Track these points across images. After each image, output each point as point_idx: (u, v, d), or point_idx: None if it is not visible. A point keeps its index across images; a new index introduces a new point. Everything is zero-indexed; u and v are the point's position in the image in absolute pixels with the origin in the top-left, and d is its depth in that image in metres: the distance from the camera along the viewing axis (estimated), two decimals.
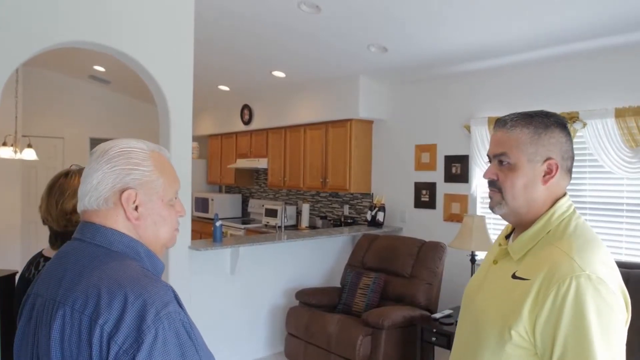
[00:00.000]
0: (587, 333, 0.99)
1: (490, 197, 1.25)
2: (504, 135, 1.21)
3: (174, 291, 0.95)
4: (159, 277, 0.98)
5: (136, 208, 1.01)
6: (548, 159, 1.17)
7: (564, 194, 1.21)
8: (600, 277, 1.03)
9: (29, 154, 5.51)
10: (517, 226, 1.25)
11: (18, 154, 5.49)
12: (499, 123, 1.24)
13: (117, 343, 0.85)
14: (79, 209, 1.04)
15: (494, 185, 1.23)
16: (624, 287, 1.07)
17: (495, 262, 1.24)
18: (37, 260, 1.67)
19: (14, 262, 5.72)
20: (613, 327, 1.01)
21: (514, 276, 1.14)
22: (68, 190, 1.60)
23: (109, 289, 0.89)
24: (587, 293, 1.01)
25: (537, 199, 1.18)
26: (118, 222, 1.01)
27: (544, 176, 1.17)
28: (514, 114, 1.23)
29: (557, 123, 1.20)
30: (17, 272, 4.70)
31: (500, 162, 1.21)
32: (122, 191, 1.00)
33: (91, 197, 1.00)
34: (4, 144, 5.32)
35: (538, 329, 1.04)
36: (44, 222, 1.66)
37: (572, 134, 3.72)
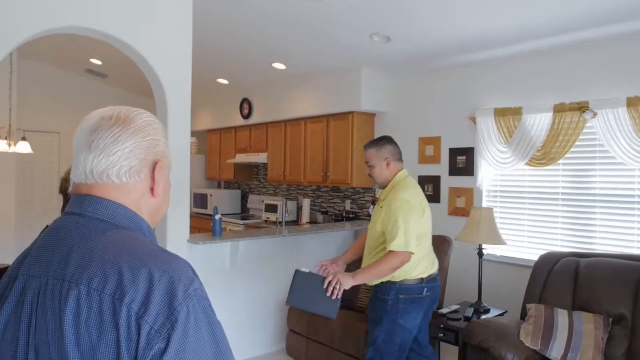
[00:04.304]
0: (397, 214, 2.63)
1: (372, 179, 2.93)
2: (367, 153, 2.88)
3: (191, 266, 0.90)
4: (174, 253, 0.91)
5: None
6: (385, 158, 2.79)
7: (401, 169, 2.82)
8: (407, 199, 2.66)
9: (24, 147, 5.38)
10: (382, 187, 2.87)
11: (12, 147, 5.37)
12: (365, 147, 2.92)
13: (147, 323, 0.78)
14: (83, 179, 0.93)
15: (371, 175, 2.90)
16: (419, 201, 2.72)
17: (380, 206, 2.81)
18: None
19: (6, 257, 5.60)
20: (412, 214, 2.61)
21: (380, 206, 2.80)
22: None
23: (130, 265, 0.82)
24: (400, 205, 2.64)
25: (388, 175, 2.80)
26: (130, 195, 0.93)
27: (386, 165, 2.81)
28: (368, 143, 2.92)
29: (386, 140, 2.85)
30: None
31: (368, 164, 2.88)
32: (155, 163, 0.96)
33: (121, 167, 0.91)
34: None
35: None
36: (64, 191, 1.74)
37: (581, 124, 3.66)
